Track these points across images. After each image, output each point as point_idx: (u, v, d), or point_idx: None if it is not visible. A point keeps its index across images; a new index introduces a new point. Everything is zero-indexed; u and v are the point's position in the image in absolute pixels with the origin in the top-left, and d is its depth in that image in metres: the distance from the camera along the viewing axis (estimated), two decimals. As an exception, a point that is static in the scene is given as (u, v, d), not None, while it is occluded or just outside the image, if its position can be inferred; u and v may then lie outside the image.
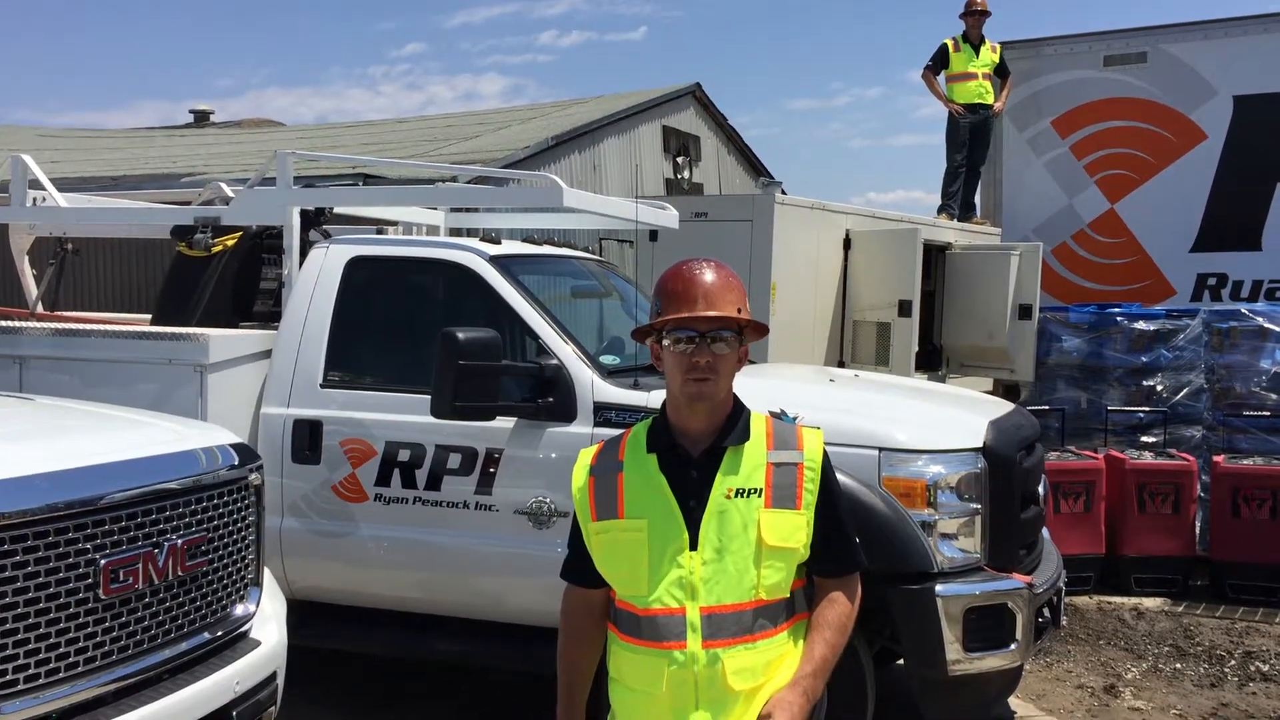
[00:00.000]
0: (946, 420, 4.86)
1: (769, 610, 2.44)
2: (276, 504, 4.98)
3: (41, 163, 6.52)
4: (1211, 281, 10.78)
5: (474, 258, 5.15)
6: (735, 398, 2.55)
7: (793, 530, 2.45)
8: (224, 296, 5.90)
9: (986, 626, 4.38)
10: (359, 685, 5.94)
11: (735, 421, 2.51)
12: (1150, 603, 7.62)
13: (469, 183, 7.32)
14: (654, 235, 7.84)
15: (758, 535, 2.42)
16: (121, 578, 3.05)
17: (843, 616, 2.52)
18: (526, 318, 4.97)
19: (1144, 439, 8.82)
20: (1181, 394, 8.95)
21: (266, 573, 3.88)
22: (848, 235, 8.91)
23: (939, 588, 4.31)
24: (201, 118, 26.54)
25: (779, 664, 2.45)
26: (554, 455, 4.74)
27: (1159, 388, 9.01)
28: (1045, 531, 5.31)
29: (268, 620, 3.74)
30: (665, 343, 2.48)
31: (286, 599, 4.09)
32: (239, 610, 3.59)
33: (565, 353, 4.84)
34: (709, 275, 2.49)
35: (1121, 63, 11.21)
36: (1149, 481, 7.89)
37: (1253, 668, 6.34)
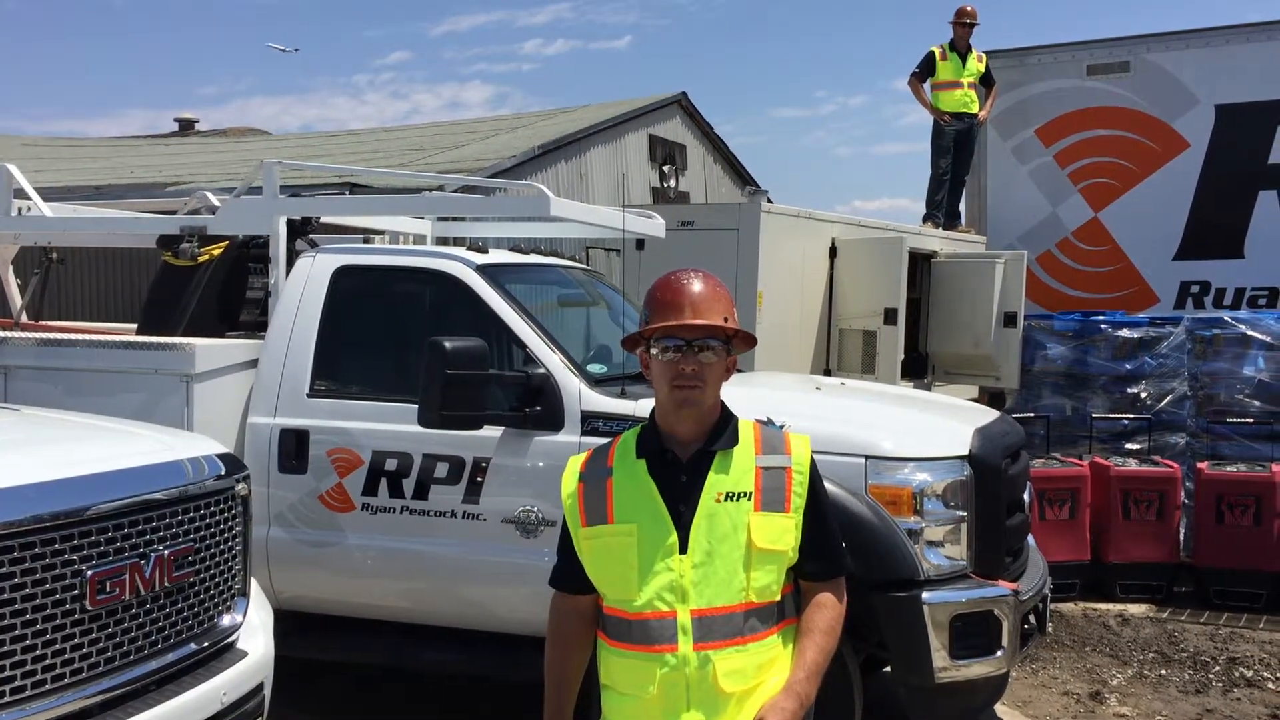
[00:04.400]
0: (932, 428, 4.87)
1: (759, 613, 2.46)
2: (263, 514, 4.97)
3: (25, 171, 6.50)
4: (1195, 289, 10.85)
5: (461, 267, 5.16)
6: (723, 405, 2.58)
7: (781, 533, 2.47)
8: (210, 306, 5.88)
9: (973, 633, 4.39)
10: (347, 695, 5.92)
11: (724, 427, 2.54)
12: (1135, 609, 7.66)
13: (456, 192, 7.34)
14: (641, 244, 7.87)
15: (747, 538, 2.44)
16: (108, 589, 3.04)
17: (832, 620, 2.55)
18: (514, 326, 4.97)
19: (1128, 446, 8.85)
20: (1165, 401, 8.99)
21: (253, 583, 3.87)
22: (833, 243, 8.94)
23: (925, 595, 4.32)
24: (186, 126, 26.51)
25: (770, 667, 2.47)
26: (541, 464, 4.75)
27: (1143, 395, 9.06)
28: (1031, 538, 5.33)
29: (255, 631, 3.73)
30: (653, 351, 2.51)
31: (273, 609, 4.08)
32: (226, 621, 3.58)
33: (552, 362, 4.85)
34: (697, 285, 2.52)
35: (1105, 72, 11.29)
36: (1134, 488, 7.93)
37: (1237, 673, 6.38)
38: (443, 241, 6.87)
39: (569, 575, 2.62)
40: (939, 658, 4.32)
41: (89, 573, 2.98)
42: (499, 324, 4.99)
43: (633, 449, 2.56)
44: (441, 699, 5.92)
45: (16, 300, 7.03)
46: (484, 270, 5.16)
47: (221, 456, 3.71)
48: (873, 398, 5.76)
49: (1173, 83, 10.97)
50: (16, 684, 2.81)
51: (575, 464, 2.64)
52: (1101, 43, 11.50)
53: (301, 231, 5.74)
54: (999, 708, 5.68)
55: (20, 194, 6.31)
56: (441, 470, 4.89)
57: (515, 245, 6.24)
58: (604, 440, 2.74)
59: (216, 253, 5.94)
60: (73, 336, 5.63)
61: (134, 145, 22.39)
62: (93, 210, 7.37)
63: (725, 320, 2.50)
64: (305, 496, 5.06)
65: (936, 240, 10.00)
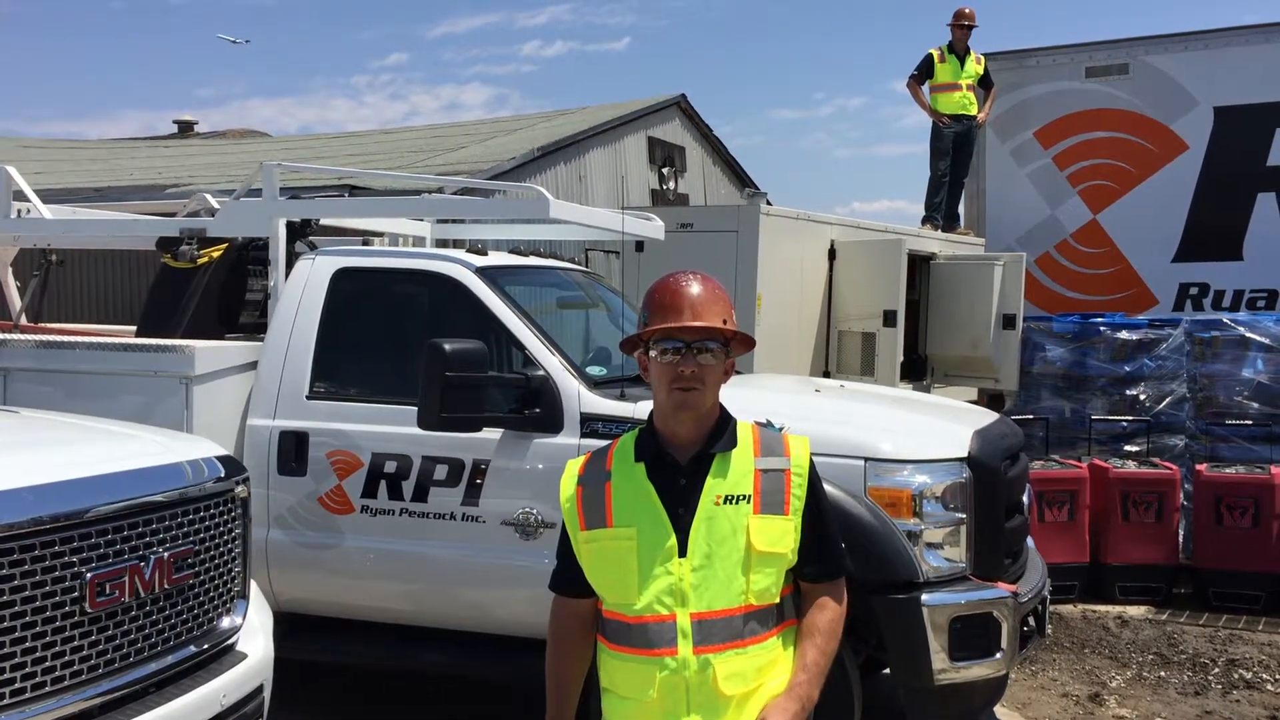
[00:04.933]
0: (931, 430, 4.88)
1: (759, 615, 2.46)
2: (262, 516, 4.97)
3: (25, 173, 6.51)
4: (1193, 291, 10.86)
5: (460, 269, 5.16)
6: (722, 408, 2.58)
7: (781, 535, 2.47)
8: (209, 308, 5.89)
9: (972, 635, 4.40)
10: (346, 697, 5.92)
11: (722, 430, 2.54)
12: (1134, 611, 7.66)
13: (455, 194, 7.34)
14: (640, 246, 7.88)
15: (746, 541, 2.44)
16: (107, 591, 3.04)
17: (832, 622, 2.55)
18: (513, 329, 4.98)
19: (1127, 448, 8.86)
20: (1164, 403, 9.00)
21: (253, 585, 3.87)
22: (833, 246, 8.95)
23: (925, 597, 4.32)
24: (185, 128, 26.51)
25: (770, 669, 2.47)
26: (541, 466, 4.75)
27: (1142, 397, 9.07)
28: (1030, 540, 5.33)
29: (254, 633, 3.74)
30: (652, 353, 2.51)
31: (273, 611, 4.08)
32: (225, 623, 3.59)
33: (552, 364, 4.85)
34: (696, 287, 2.51)
35: (1103, 74, 11.30)
36: (1133, 490, 7.94)
37: (1236, 675, 6.38)
38: (442, 244, 6.87)
39: (568, 579, 2.62)
40: (938, 659, 4.33)
41: (89, 575, 2.98)
42: (498, 326, 5.00)
43: (631, 452, 2.56)
44: (441, 701, 5.92)
45: (16, 302, 7.03)
46: (483, 272, 5.16)
47: (221, 459, 3.72)
48: (872, 400, 5.76)
49: (1171, 85, 10.98)
50: (16, 686, 2.81)
51: (573, 467, 2.63)
52: (1100, 45, 11.51)
53: (301, 233, 5.74)
54: (998, 709, 5.68)
55: (20, 196, 6.32)
56: (441, 472, 4.89)
57: (514, 248, 6.24)
58: (603, 443, 2.74)
59: (216, 255, 5.95)
60: (72, 339, 5.64)
61: (133, 147, 22.39)
62: (92, 212, 7.37)
63: (724, 322, 2.50)
64: (305, 498, 5.06)
65: (935, 242, 10.00)
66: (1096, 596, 7.88)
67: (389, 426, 4.96)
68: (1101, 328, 9.32)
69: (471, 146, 15.73)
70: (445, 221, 7.02)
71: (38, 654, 2.86)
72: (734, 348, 2.55)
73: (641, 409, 4.52)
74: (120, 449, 3.51)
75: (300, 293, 5.30)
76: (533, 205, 5.48)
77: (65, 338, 5.70)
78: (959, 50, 11.14)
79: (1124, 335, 9.21)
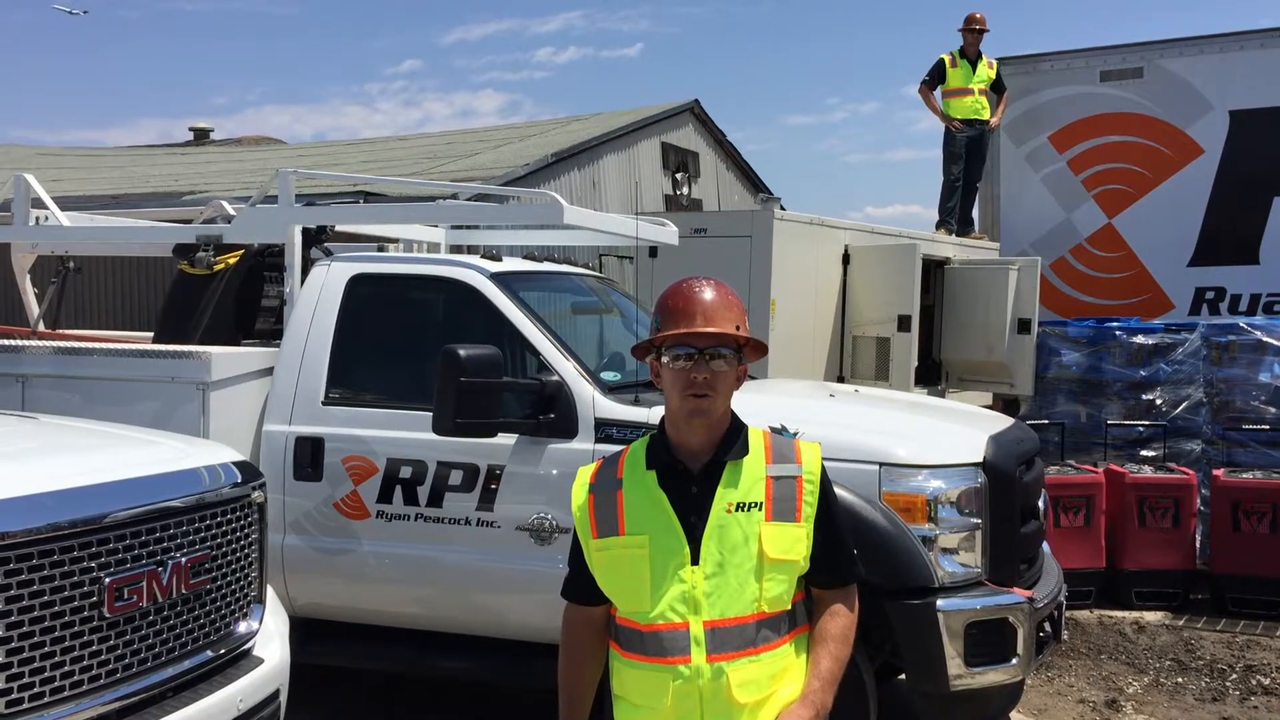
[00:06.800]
0: (946, 435, 4.87)
1: (771, 622, 2.46)
2: (279, 521, 5.00)
3: (43, 181, 6.56)
4: (1209, 295, 10.82)
5: (475, 275, 5.18)
6: (733, 414, 2.57)
7: (793, 543, 2.46)
8: (226, 314, 5.92)
9: (987, 641, 4.39)
10: (361, 702, 5.94)
11: (734, 437, 2.53)
12: (1151, 616, 7.63)
13: (469, 200, 7.35)
14: (654, 252, 7.87)
15: (759, 548, 2.43)
16: (125, 596, 3.07)
17: (845, 628, 2.54)
18: (528, 334, 4.99)
19: (1144, 453, 8.82)
20: (1181, 408, 8.96)
21: (269, 590, 3.89)
22: (846, 250, 8.94)
23: (940, 602, 4.31)
24: (201, 135, 26.60)
25: (783, 676, 2.47)
26: (555, 471, 4.76)
27: (1158, 401, 9.03)
28: (1046, 546, 5.32)
29: (271, 638, 3.75)
30: (664, 359, 2.50)
31: (289, 616, 4.10)
32: (242, 628, 3.61)
33: (566, 369, 4.86)
34: (708, 293, 2.51)
35: (1118, 78, 11.27)
36: (1149, 495, 7.90)
37: (1254, 681, 6.34)
38: (456, 249, 6.90)
39: (580, 586, 2.62)
40: (954, 665, 4.32)
41: (107, 580, 3.00)
42: (513, 332, 5.01)
43: (642, 460, 2.55)
44: (455, 704, 5.93)
45: (34, 309, 7.08)
46: (498, 278, 5.18)
47: (237, 464, 3.74)
48: (887, 405, 5.75)
49: (1186, 88, 10.94)
50: (35, 691, 2.83)
51: (585, 475, 2.62)
52: (1115, 49, 11.48)
53: (316, 240, 5.77)
54: (1014, 715, 5.66)
55: (38, 203, 6.37)
56: (456, 478, 4.91)
57: (529, 253, 6.26)
58: (618, 448, 2.73)
59: (232, 261, 5.99)
60: (89, 345, 5.67)
61: (150, 154, 22.51)
62: (109, 219, 7.42)
63: (736, 328, 2.49)
64: (320, 504, 5.08)
65: (950, 247, 9.99)
66: (1113, 602, 7.85)
67: (404, 432, 4.98)
68: (1117, 332, 9.29)
69: (485, 153, 15.77)
70: (459, 227, 7.04)
71: (56, 659, 2.88)
72: (746, 354, 2.54)
73: (656, 414, 4.50)
74: (137, 454, 3.53)
75: (316, 299, 5.32)
76: (547, 211, 5.49)
77: (83, 344, 5.73)
78: (970, 55, 11.14)
79: (1140, 340, 9.17)
